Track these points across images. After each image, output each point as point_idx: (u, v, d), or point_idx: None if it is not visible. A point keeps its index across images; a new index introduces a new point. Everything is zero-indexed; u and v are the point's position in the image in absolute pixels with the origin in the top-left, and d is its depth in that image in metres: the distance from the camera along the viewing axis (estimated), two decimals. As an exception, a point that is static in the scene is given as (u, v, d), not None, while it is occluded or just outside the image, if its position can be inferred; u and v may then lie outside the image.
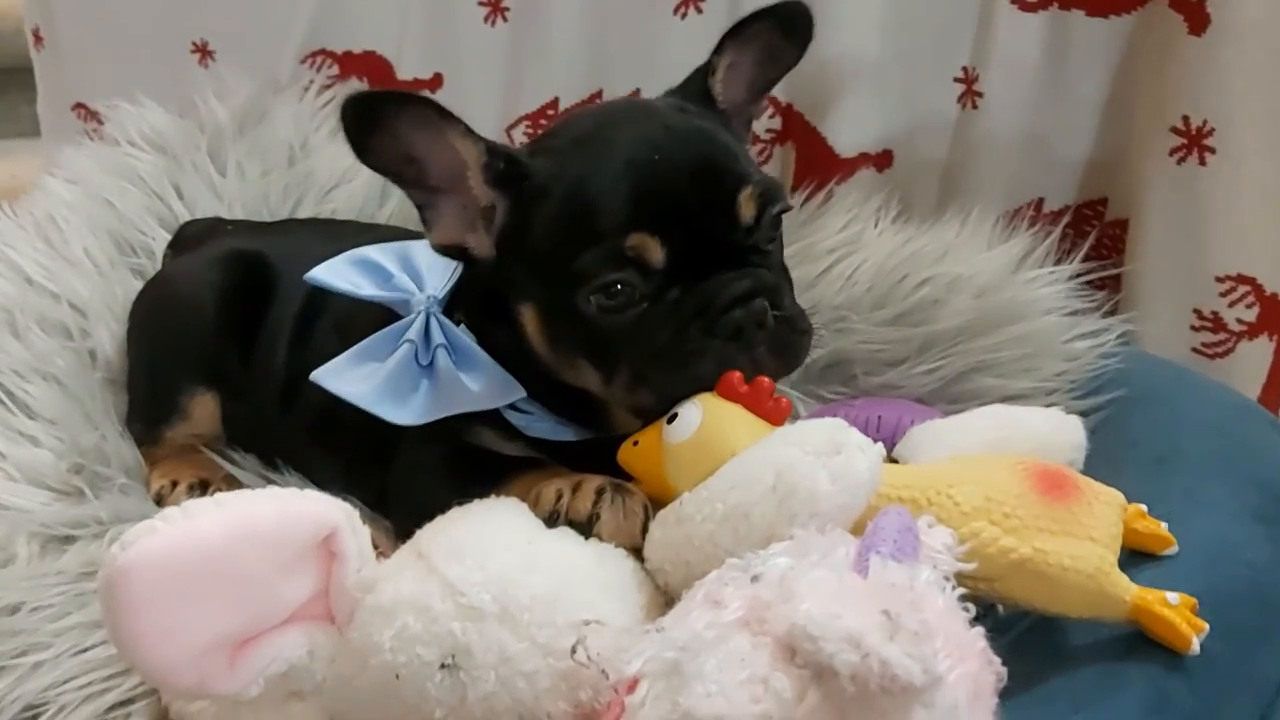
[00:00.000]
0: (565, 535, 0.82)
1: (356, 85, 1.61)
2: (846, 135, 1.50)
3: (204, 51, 1.60)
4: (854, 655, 0.57)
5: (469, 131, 0.91)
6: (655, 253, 0.87)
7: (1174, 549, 0.85)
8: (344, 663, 0.77)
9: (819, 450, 0.74)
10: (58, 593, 0.94)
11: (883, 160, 1.51)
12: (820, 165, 1.50)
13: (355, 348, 0.98)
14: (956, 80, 1.47)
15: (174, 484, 1.11)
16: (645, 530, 0.83)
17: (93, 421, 1.15)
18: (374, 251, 1.05)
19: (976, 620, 0.86)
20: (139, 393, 1.22)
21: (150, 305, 1.25)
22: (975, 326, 1.22)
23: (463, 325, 0.98)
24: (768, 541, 0.71)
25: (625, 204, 0.87)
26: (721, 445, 0.81)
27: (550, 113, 1.60)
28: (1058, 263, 1.31)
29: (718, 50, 0.99)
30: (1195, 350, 1.35)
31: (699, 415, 0.84)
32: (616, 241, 0.86)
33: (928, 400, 1.21)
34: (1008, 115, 1.46)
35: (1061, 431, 0.95)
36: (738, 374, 0.85)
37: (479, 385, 0.94)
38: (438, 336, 0.96)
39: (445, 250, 0.96)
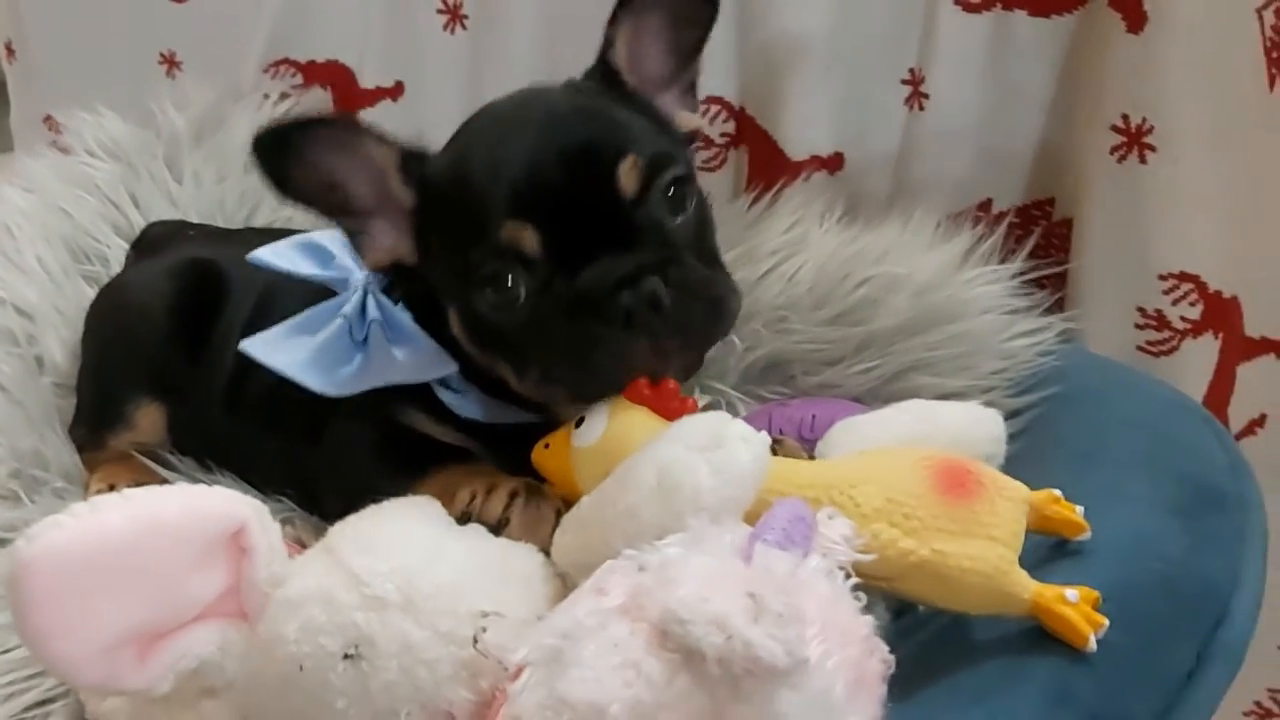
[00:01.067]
0: (475, 530, 0.83)
1: (319, 94, 1.63)
2: (797, 138, 1.50)
3: (171, 62, 1.63)
4: (719, 638, 0.58)
5: (382, 138, 0.90)
6: (530, 242, 0.83)
7: (1087, 534, 0.85)
8: (254, 658, 0.77)
9: (701, 445, 0.73)
10: (-18, 595, 0.95)
11: (833, 163, 1.52)
12: (772, 168, 1.51)
13: (290, 320, 0.98)
14: (904, 82, 1.48)
15: (111, 488, 1.10)
16: None
17: (34, 426, 1.16)
18: (322, 236, 1.05)
19: (897, 616, 0.88)
20: (85, 398, 1.22)
21: (103, 313, 1.26)
22: (913, 325, 1.22)
23: (400, 304, 0.97)
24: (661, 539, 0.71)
25: (500, 194, 0.84)
26: (625, 450, 0.80)
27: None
28: (1002, 262, 1.31)
29: (612, 21, 0.94)
30: (1140, 349, 1.34)
31: (604, 421, 0.84)
32: (495, 234, 0.84)
33: (865, 399, 1.21)
34: (954, 116, 1.46)
35: (979, 424, 0.95)
36: (643, 378, 0.84)
37: (407, 356, 0.94)
38: (373, 312, 0.96)
39: (381, 269, 0.95)
